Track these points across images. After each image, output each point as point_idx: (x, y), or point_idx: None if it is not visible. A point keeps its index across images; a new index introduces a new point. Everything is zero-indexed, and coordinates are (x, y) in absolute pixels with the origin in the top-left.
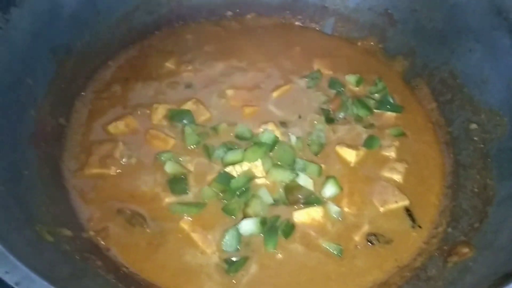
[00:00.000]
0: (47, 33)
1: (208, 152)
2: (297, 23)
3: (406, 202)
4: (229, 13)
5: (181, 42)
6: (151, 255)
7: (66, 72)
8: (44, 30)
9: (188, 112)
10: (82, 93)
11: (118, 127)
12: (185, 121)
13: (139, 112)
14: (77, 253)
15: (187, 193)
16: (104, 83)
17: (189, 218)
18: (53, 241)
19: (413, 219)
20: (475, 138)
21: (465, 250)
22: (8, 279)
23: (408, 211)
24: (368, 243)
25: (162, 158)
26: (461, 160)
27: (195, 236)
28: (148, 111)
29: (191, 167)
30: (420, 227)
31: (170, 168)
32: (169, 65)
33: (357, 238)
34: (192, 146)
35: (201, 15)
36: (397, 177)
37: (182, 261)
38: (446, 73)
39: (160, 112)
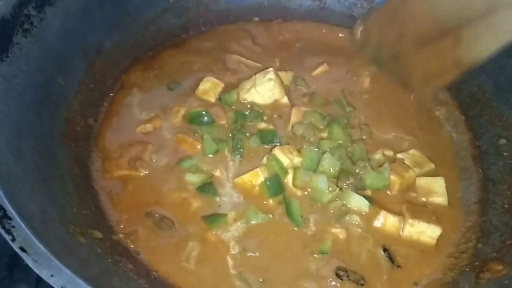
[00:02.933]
0: (78, 33)
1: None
2: (324, 30)
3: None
4: (256, 18)
5: (208, 46)
6: (179, 260)
7: (95, 72)
8: (76, 29)
9: (205, 114)
10: (111, 94)
11: (146, 129)
12: (205, 121)
13: (166, 115)
14: (108, 256)
15: (215, 197)
16: (132, 85)
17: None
18: (85, 242)
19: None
20: (505, 154)
21: (499, 267)
22: (53, 282)
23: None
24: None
25: (183, 166)
26: (490, 175)
27: (221, 246)
28: (173, 114)
29: (216, 171)
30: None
31: (190, 177)
32: (196, 67)
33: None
34: (210, 155)
35: (228, 19)
36: None
37: (208, 268)
38: (475, 87)
39: (181, 115)
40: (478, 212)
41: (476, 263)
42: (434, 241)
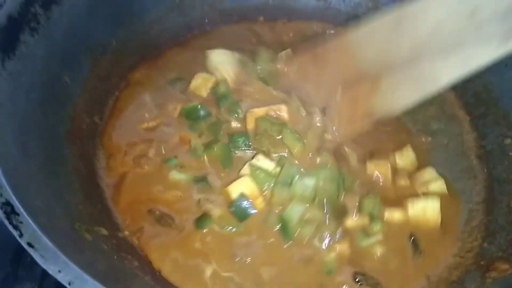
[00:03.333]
0: (84, 31)
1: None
2: (331, 31)
3: None
4: (261, 18)
5: (212, 45)
6: (179, 258)
7: (101, 70)
8: (82, 28)
9: (201, 108)
10: (116, 92)
11: (151, 127)
12: (201, 115)
13: (170, 113)
14: (114, 253)
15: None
16: (137, 83)
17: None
18: (92, 239)
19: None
20: (510, 153)
21: (505, 266)
22: (60, 278)
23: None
24: None
25: (168, 165)
26: (496, 175)
27: (209, 252)
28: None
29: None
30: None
31: (175, 176)
32: (201, 66)
33: None
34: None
35: (232, 19)
36: None
37: (204, 269)
38: (480, 87)
39: (177, 111)
40: (484, 212)
41: (482, 263)
42: (438, 216)
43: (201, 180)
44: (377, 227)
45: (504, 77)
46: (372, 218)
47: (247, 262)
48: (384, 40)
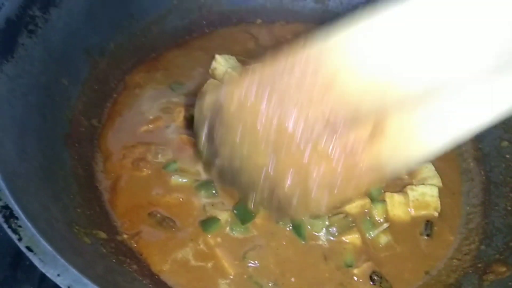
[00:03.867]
0: (82, 34)
1: None
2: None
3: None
4: (259, 20)
5: (211, 47)
6: (180, 260)
7: (99, 73)
8: (80, 30)
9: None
10: (114, 95)
11: (150, 130)
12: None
13: (169, 116)
14: (113, 256)
15: (215, 195)
16: (135, 86)
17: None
18: (90, 243)
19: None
20: (507, 156)
21: (502, 269)
22: (59, 282)
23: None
24: None
25: (168, 170)
26: (493, 177)
27: (219, 253)
28: (175, 115)
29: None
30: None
31: (177, 180)
32: (199, 69)
33: None
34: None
35: (231, 21)
36: None
37: (205, 273)
38: None
39: (182, 116)
40: (481, 214)
41: (479, 265)
42: (437, 201)
43: (206, 184)
44: (379, 209)
45: None
46: (372, 199)
47: (257, 264)
48: (387, 56)
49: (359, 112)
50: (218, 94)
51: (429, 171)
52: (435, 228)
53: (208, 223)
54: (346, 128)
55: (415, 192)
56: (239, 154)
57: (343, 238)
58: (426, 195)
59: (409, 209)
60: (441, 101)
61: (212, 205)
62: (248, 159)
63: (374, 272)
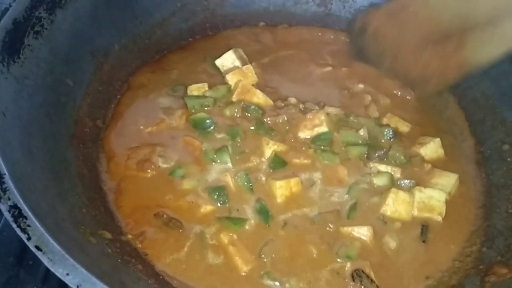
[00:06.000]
0: (87, 35)
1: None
2: (331, 36)
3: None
4: (262, 23)
5: (214, 50)
6: (186, 260)
7: (103, 74)
8: (85, 32)
9: (209, 121)
10: (118, 96)
11: (154, 131)
12: (207, 126)
13: (172, 117)
14: (118, 256)
15: (226, 203)
16: (139, 87)
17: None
18: (96, 243)
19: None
20: (508, 159)
21: (504, 270)
22: (69, 281)
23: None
24: None
25: (174, 176)
26: (494, 180)
27: (233, 250)
28: (178, 117)
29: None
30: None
31: (187, 185)
32: (202, 71)
33: None
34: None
35: (234, 24)
36: None
37: (217, 272)
38: (479, 93)
39: (184, 118)
40: (483, 217)
41: (481, 267)
42: (443, 206)
43: (218, 189)
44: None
45: (502, 83)
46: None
47: (274, 258)
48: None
49: (447, 32)
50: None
51: (451, 179)
52: (437, 230)
53: (235, 221)
54: (441, 42)
55: (422, 194)
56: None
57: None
58: (433, 199)
59: (412, 210)
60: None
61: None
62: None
63: (356, 270)
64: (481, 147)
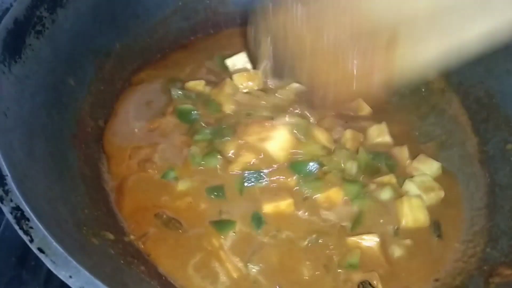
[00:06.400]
0: (88, 35)
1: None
2: None
3: None
4: None
5: (215, 49)
6: (187, 262)
7: (105, 74)
8: (86, 31)
9: (194, 112)
10: (120, 96)
11: (155, 131)
12: (193, 118)
13: (174, 116)
14: (121, 257)
15: (224, 198)
16: (140, 86)
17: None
18: (98, 244)
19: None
20: None
21: (508, 271)
22: (71, 283)
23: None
24: None
25: (167, 179)
26: (498, 180)
27: (223, 256)
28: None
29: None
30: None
31: (181, 186)
32: (204, 70)
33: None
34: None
35: (236, 22)
36: None
37: (210, 273)
38: (482, 92)
39: (170, 111)
40: (486, 217)
41: (485, 268)
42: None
43: (216, 189)
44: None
45: (506, 82)
46: None
47: (264, 265)
48: None
49: (377, 26)
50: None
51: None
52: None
53: (221, 224)
54: (367, 37)
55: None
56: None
57: (364, 236)
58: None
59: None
60: (441, 19)
61: (223, 211)
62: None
63: (363, 282)
64: (484, 147)
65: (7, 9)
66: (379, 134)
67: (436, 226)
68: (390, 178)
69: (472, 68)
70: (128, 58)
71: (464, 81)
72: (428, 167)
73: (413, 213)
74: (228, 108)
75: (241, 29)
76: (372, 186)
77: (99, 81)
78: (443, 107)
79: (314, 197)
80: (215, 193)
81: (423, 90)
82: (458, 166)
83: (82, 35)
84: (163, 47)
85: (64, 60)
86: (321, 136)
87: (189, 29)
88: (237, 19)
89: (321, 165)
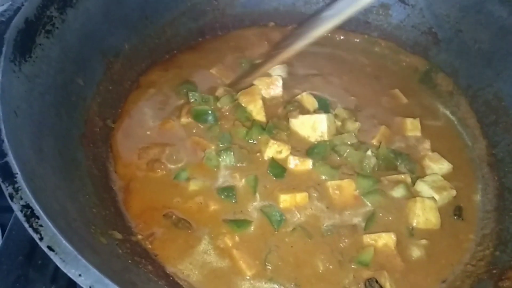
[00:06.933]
0: (97, 35)
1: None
2: (341, 37)
3: None
4: (272, 23)
5: (224, 50)
6: (195, 263)
7: (113, 74)
8: (95, 31)
9: (210, 113)
10: (129, 97)
11: (163, 131)
12: (209, 120)
13: (182, 117)
14: (128, 257)
15: (234, 201)
16: (149, 87)
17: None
18: (107, 243)
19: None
20: None
21: None
22: (81, 282)
23: None
24: None
25: (179, 180)
26: (507, 183)
27: (237, 254)
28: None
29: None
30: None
31: (193, 186)
32: (213, 71)
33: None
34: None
35: (243, 24)
36: None
37: (220, 274)
38: (491, 95)
39: (185, 111)
40: (495, 220)
41: (494, 271)
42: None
43: (227, 189)
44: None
45: None
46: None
47: (280, 264)
48: None
49: None
50: None
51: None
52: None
53: (237, 223)
54: None
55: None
56: None
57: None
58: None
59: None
60: None
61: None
62: None
63: (369, 279)
64: (493, 150)
65: (18, 8)
66: (413, 129)
67: (457, 210)
68: (405, 177)
69: (481, 71)
70: (137, 58)
71: (472, 84)
72: (439, 167)
73: (425, 215)
74: (259, 115)
75: (249, 30)
76: (385, 182)
77: (107, 81)
78: (451, 110)
79: (326, 183)
80: (226, 194)
81: None
82: (467, 169)
83: (91, 35)
84: (171, 48)
85: (73, 60)
86: (352, 127)
87: (197, 30)
88: (245, 20)
89: (339, 155)
